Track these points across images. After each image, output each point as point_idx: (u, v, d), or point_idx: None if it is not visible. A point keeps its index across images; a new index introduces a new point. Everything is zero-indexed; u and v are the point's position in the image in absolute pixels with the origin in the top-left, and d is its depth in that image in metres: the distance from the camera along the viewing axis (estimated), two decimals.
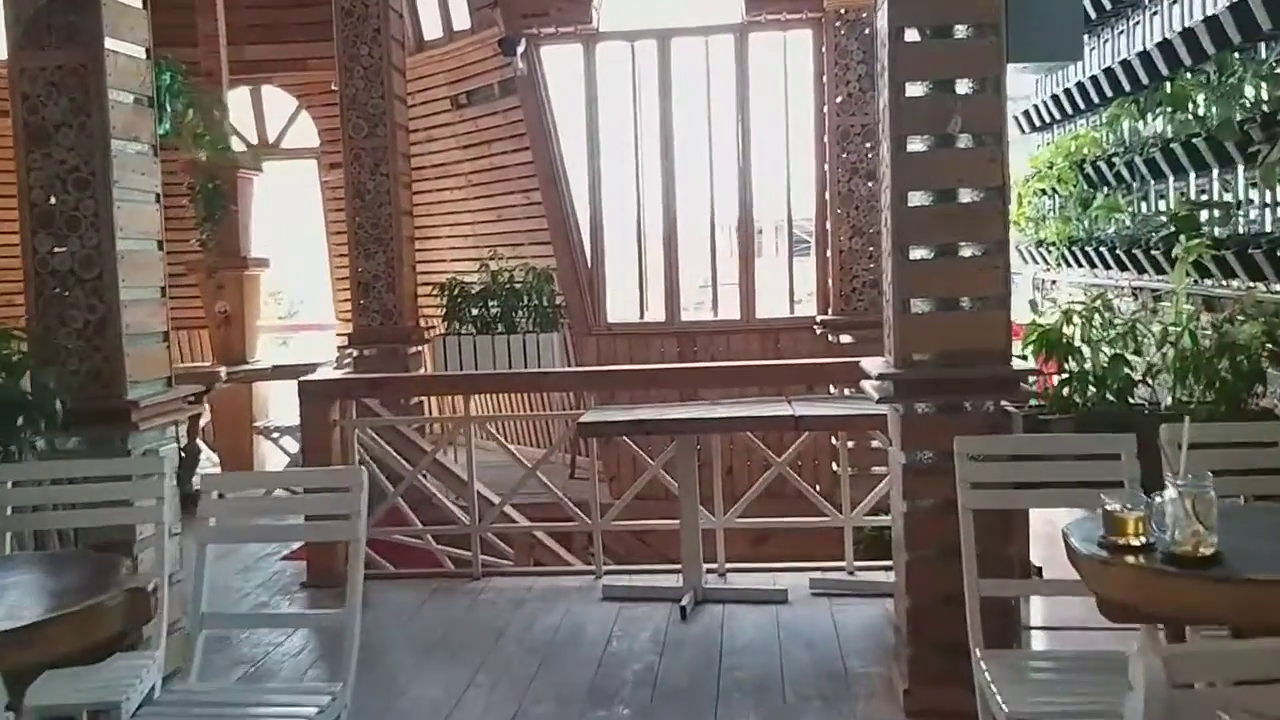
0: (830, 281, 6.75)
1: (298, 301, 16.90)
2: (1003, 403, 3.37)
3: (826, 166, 6.68)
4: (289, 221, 10.87)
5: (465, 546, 5.13)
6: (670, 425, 4.45)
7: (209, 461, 8.64)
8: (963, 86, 3.36)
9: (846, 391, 5.06)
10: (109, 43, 3.40)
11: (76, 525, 3.13)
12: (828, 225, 6.74)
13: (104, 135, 3.40)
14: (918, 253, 3.38)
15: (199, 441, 8.11)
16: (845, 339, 6.62)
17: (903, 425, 3.38)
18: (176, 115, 7.16)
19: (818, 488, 5.44)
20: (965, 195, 3.36)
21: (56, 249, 3.43)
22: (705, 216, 7.36)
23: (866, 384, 3.54)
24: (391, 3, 6.71)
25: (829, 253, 6.74)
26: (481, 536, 5.09)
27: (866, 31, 6.60)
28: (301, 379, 5.14)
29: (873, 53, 6.45)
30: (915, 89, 3.37)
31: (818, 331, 6.71)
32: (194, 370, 7.89)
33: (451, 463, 5.79)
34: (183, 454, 7.36)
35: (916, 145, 3.36)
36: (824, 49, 6.83)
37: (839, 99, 6.63)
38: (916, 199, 3.37)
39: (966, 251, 3.38)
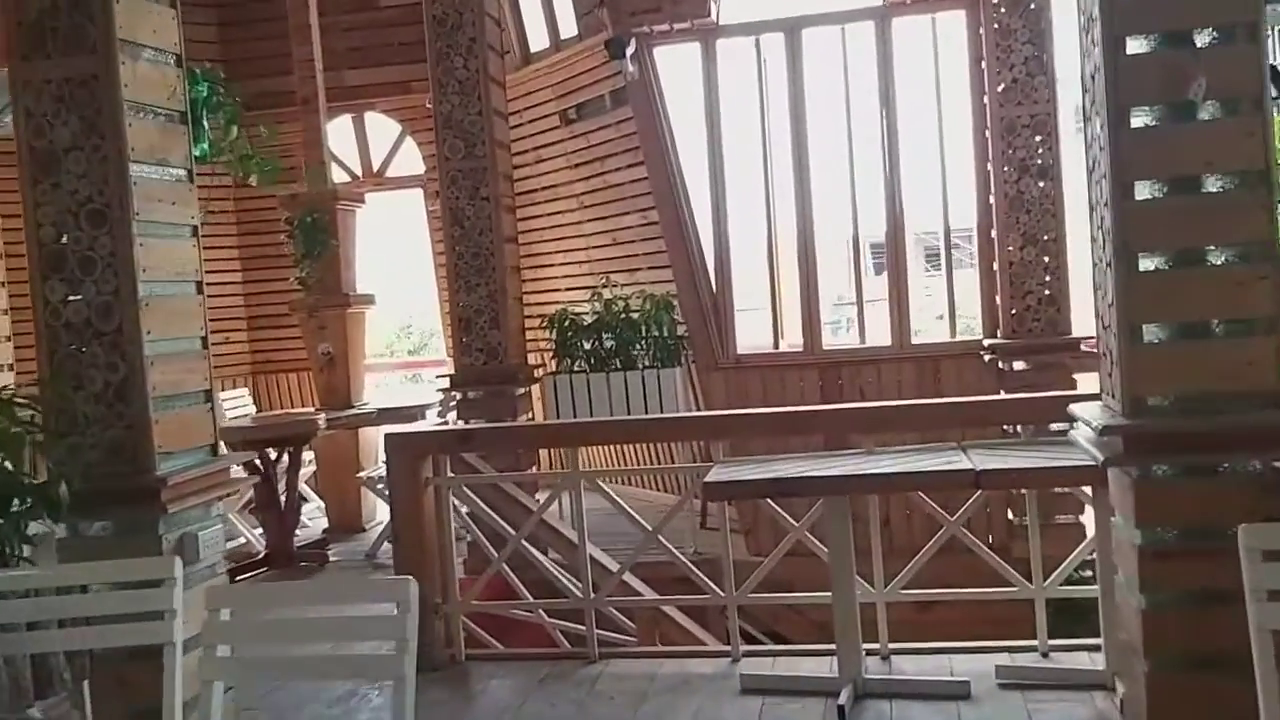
0: (998, 299, 5.88)
1: (428, 334, 16.72)
2: (1275, 463, 2.53)
3: (990, 166, 5.83)
4: (414, 251, 10.55)
5: (580, 620, 4.49)
6: (817, 485, 3.69)
7: (318, 510, 8.27)
8: (1204, 38, 2.55)
9: (1019, 429, 4.25)
10: (124, 48, 2.88)
11: (75, 646, 2.56)
12: (993, 234, 5.88)
13: (120, 159, 2.87)
14: (1150, 261, 2.57)
15: (304, 490, 7.71)
16: (1019, 365, 5.74)
17: (1137, 494, 2.57)
18: (216, 132, 6.64)
19: (990, 540, 4.60)
20: (1214, 183, 2.54)
21: (70, 297, 2.91)
22: (846, 229, 6.58)
23: (1082, 437, 2.74)
24: (488, 9, 6.17)
25: (995, 266, 5.88)
26: (598, 609, 4.45)
27: (1033, 6, 5.75)
28: (387, 433, 4.58)
29: (1038, 31, 5.70)
30: (1139, 44, 2.56)
31: (986, 358, 5.84)
32: (295, 416, 7.47)
33: (562, 523, 5.15)
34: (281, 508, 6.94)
35: (1144, 119, 2.55)
36: (981, 30, 5.99)
37: (1001, 87, 5.79)
38: (1145, 190, 2.56)
39: (1218, 258, 2.56)
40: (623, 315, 6.35)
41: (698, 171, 6.99)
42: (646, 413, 6.21)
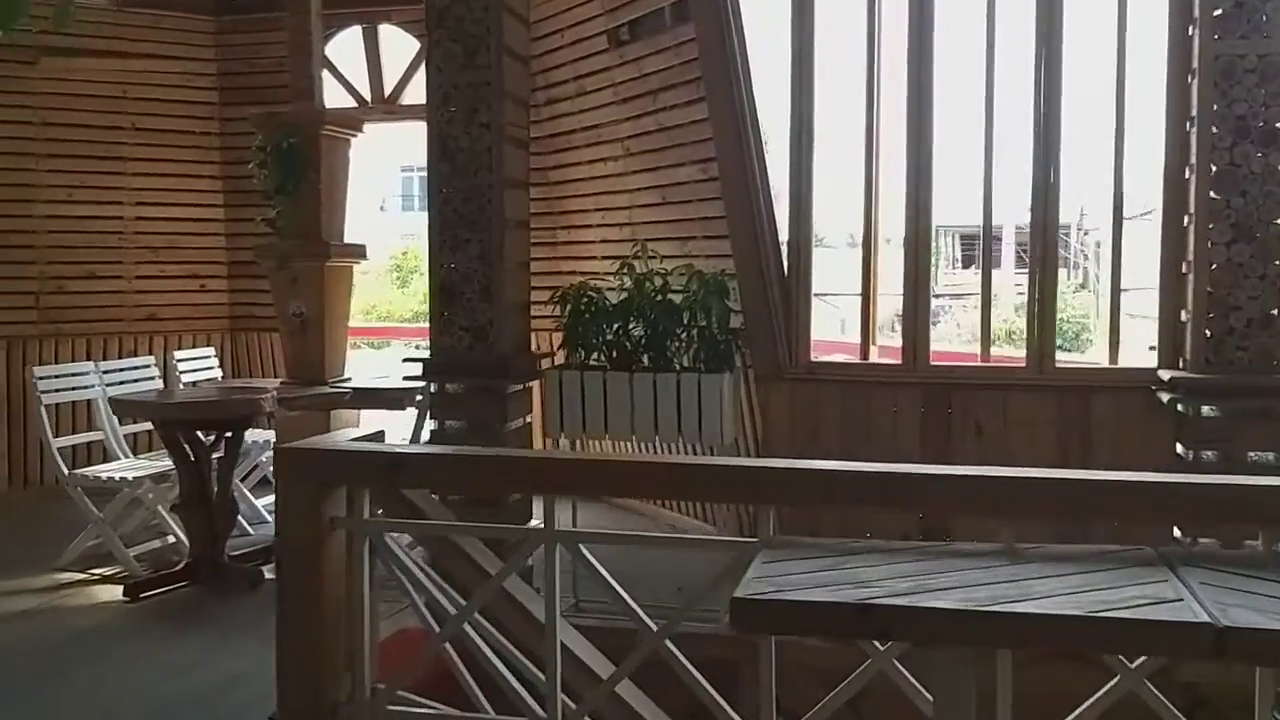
0: (1186, 314, 4.29)
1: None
2: None
3: (1192, 128, 4.23)
4: None
5: None
6: (942, 623, 2.22)
7: (269, 510, 6.96)
8: None
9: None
10: None
11: None
12: (1186, 222, 4.29)
13: None
14: None
15: (241, 486, 6.39)
16: (1208, 410, 4.15)
17: None
18: None
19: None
20: None
21: None
22: (973, 205, 5.02)
23: None
24: None
25: (1187, 267, 4.29)
26: None
27: None
28: (277, 447, 3.20)
29: None
30: None
31: (1162, 397, 4.25)
32: (241, 391, 6.13)
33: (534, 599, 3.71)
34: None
35: None
36: None
37: (1217, 12, 4.19)
38: None
39: None
40: (659, 297, 4.88)
41: (775, 115, 5.45)
42: (680, 429, 4.74)
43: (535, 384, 5.09)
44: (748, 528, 5.19)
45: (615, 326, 4.93)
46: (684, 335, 4.89)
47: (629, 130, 6.41)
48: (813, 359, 5.10)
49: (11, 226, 7.59)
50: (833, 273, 10.37)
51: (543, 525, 3.08)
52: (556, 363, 5.10)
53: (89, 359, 7.68)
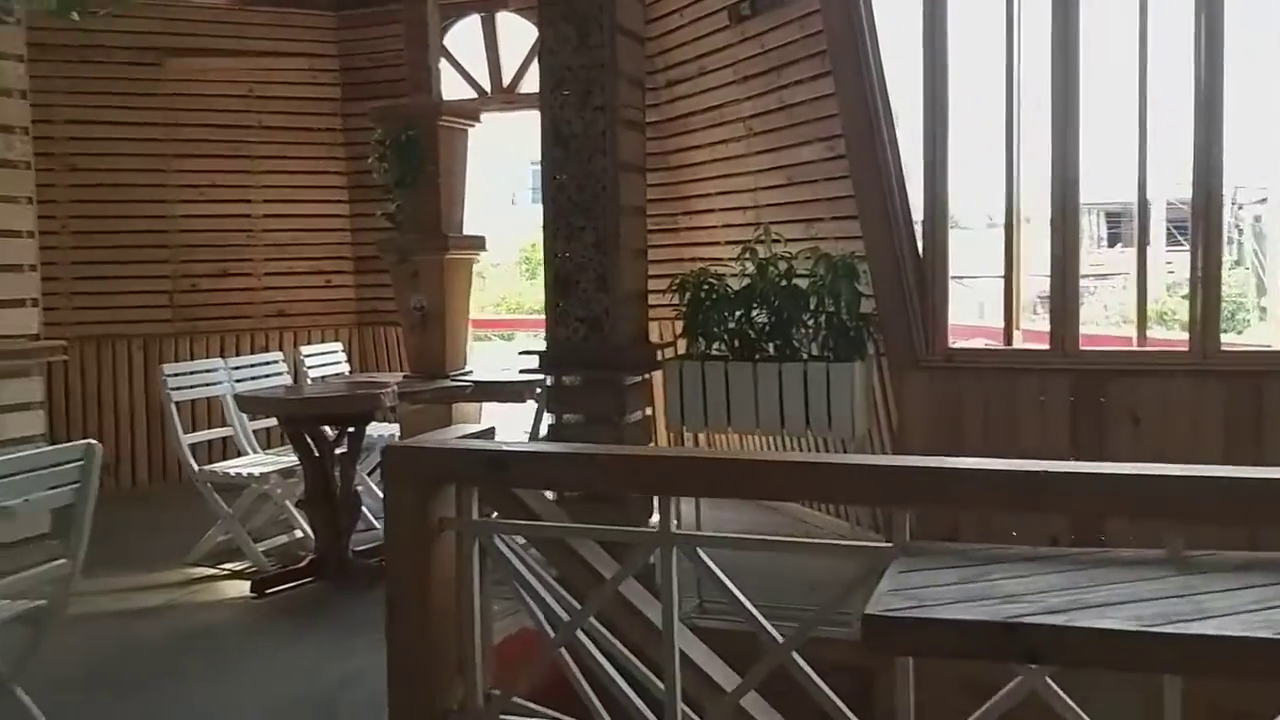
0: None
1: None
2: None
3: None
4: None
5: None
6: (1084, 646, 1.97)
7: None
8: None
9: None
10: None
11: None
12: None
13: None
14: None
15: (370, 482, 6.40)
16: None
17: None
18: None
19: None
20: None
21: None
22: (1119, 180, 4.64)
23: None
24: None
25: None
26: None
27: None
28: (383, 446, 3.10)
29: None
30: None
31: None
32: (363, 386, 6.13)
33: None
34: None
35: None
36: None
37: None
38: None
39: None
40: (783, 282, 4.66)
41: (907, 88, 5.16)
42: (808, 423, 4.52)
43: (655, 375, 4.92)
44: (884, 525, 4.93)
45: (738, 314, 4.74)
46: (811, 322, 4.67)
47: (751, 109, 6.18)
48: (951, 345, 4.81)
49: (146, 227, 7.79)
50: (966, 254, 9.93)
51: (659, 527, 2.91)
52: (677, 353, 4.92)
53: (221, 356, 7.84)
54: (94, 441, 3.37)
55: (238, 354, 7.88)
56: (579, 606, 3.16)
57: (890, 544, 2.63)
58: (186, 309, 7.93)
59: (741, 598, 2.85)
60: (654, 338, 5.13)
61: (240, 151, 8.02)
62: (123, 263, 7.75)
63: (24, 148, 6.00)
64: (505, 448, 3.04)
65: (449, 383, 6.42)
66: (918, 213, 4.94)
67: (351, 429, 5.70)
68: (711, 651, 3.37)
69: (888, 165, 5.00)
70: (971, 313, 9.71)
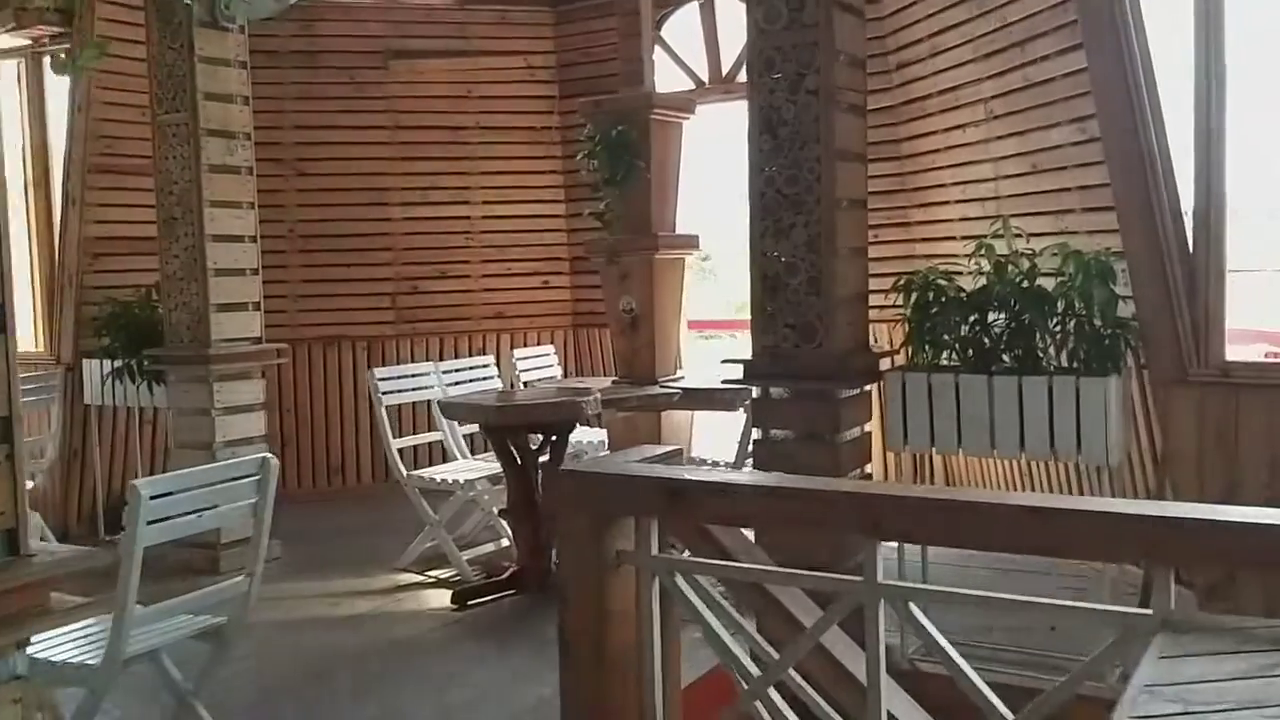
0: None
1: None
2: None
3: None
4: None
5: None
6: None
7: None
8: None
9: None
10: None
11: None
12: None
13: None
14: None
15: None
16: None
17: None
18: None
19: None
20: None
21: None
22: None
23: None
24: None
25: None
26: None
27: None
28: (553, 470, 2.84)
29: None
30: None
31: None
32: (571, 390, 5.93)
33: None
34: None
35: None
36: None
37: None
38: None
39: None
40: (1025, 283, 4.11)
41: (1173, 56, 4.48)
42: (1052, 446, 3.96)
43: (874, 388, 4.47)
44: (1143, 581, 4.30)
45: (971, 319, 4.22)
46: (1058, 329, 4.10)
47: (991, 89, 5.60)
48: (1228, 357, 4.13)
49: (370, 230, 7.93)
50: (1240, 248, 8.85)
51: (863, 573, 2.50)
52: (899, 362, 4.45)
53: (440, 358, 7.90)
54: (269, 455, 3.26)
55: (456, 356, 7.93)
56: (774, 654, 2.79)
57: (1150, 612, 2.13)
58: (407, 310, 8.02)
59: (963, 664, 2.41)
60: (874, 345, 4.67)
61: (459, 153, 8.04)
62: (347, 265, 7.92)
63: (245, 153, 6.13)
64: (686, 476, 2.70)
65: (657, 389, 6.15)
66: (1186, 201, 4.27)
67: (555, 437, 5.52)
68: (924, 712, 2.94)
69: (1150, 146, 4.35)
70: (1249, 314, 8.63)
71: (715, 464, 5.88)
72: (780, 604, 2.93)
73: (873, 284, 4.57)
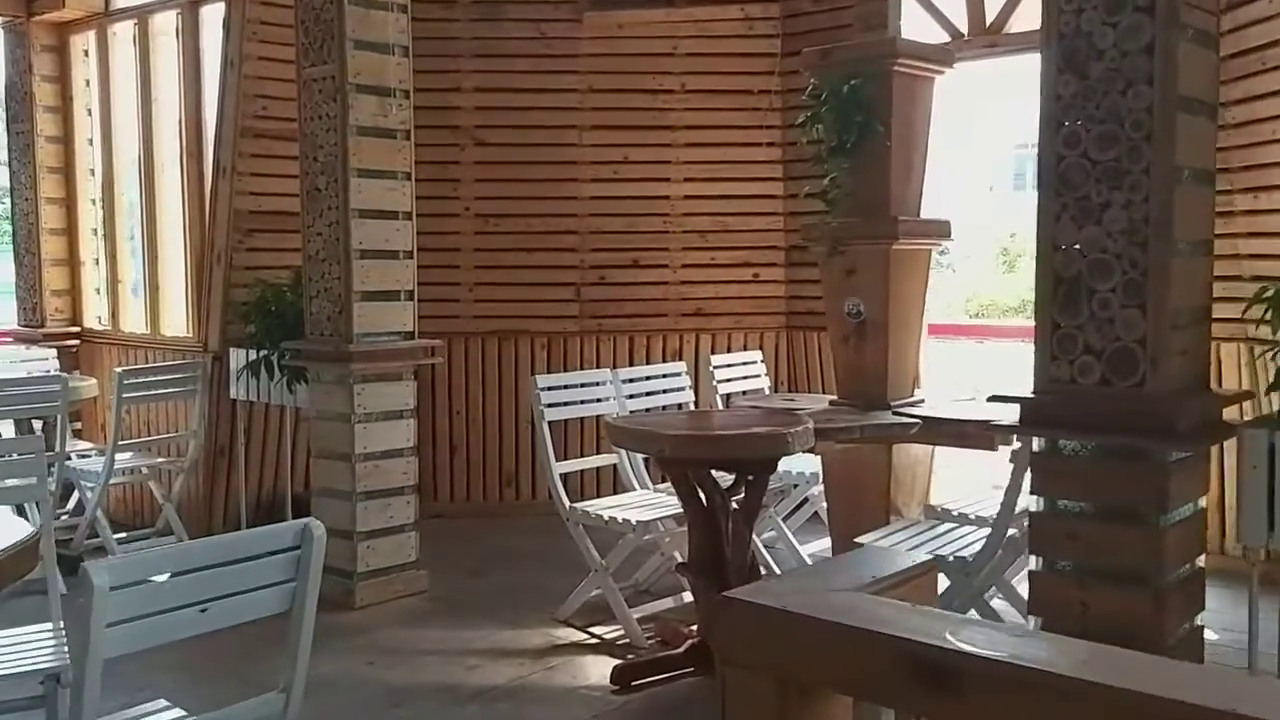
0: None
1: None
2: None
3: None
4: None
5: None
6: None
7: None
8: None
9: None
10: None
11: None
12: None
13: None
14: None
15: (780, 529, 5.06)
16: None
17: None
18: None
19: None
20: None
21: None
22: None
23: None
24: None
25: None
26: None
27: None
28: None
29: None
30: None
31: None
32: (778, 413, 4.77)
33: None
34: None
35: None
36: None
37: None
38: None
39: None
40: None
41: None
42: None
43: (1217, 447, 3.13)
44: None
45: None
46: None
47: None
48: None
49: (554, 210, 7.00)
50: None
51: None
52: (1259, 411, 3.09)
53: (630, 361, 6.91)
54: (313, 521, 2.27)
55: (647, 359, 6.93)
56: None
57: None
58: (592, 304, 7.05)
59: None
60: (1217, 385, 3.32)
61: (660, 121, 7.00)
62: (528, 250, 7.01)
63: (403, 114, 5.28)
64: (955, 645, 1.52)
65: (889, 416, 4.91)
66: None
67: (750, 476, 4.38)
68: None
69: None
70: None
71: (967, 519, 4.59)
72: None
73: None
